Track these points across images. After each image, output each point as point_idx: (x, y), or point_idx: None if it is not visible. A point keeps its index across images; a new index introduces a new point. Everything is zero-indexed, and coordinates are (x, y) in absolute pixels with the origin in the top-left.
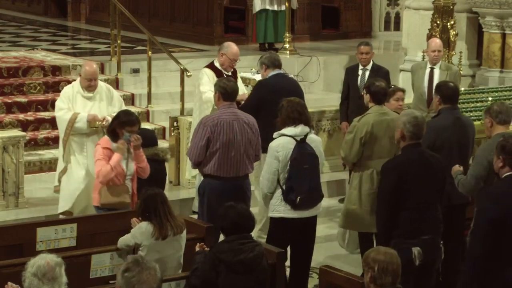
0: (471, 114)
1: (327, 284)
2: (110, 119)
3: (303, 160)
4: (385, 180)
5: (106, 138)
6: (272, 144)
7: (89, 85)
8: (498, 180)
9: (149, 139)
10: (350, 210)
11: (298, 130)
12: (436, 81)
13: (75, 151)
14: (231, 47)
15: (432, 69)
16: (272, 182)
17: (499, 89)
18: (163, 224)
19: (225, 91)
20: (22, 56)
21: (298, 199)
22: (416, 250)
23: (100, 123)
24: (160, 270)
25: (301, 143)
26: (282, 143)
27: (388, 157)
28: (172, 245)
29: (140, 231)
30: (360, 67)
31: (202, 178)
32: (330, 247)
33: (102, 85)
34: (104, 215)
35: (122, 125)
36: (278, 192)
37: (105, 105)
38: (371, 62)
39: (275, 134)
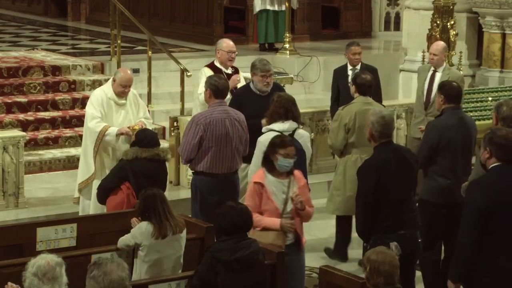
0: (471, 114)
1: (327, 284)
2: (146, 124)
3: None
4: (365, 181)
5: (262, 169)
6: (261, 139)
7: (123, 92)
8: (486, 171)
9: (150, 139)
10: (335, 195)
11: (286, 125)
12: (436, 84)
13: (104, 157)
14: (225, 41)
15: (434, 72)
16: None
17: (499, 89)
18: (162, 224)
19: (217, 88)
20: (22, 56)
21: None
22: (393, 245)
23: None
24: (160, 270)
25: None
26: (270, 138)
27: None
28: (172, 245)
29: (140, 231)
30: (350, 67)
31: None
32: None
33: (130, 91)
34: (104, 215)
35: (273, 149)
36: None
37: (135, 111)
38: (360, 62)
39: (264, 129)
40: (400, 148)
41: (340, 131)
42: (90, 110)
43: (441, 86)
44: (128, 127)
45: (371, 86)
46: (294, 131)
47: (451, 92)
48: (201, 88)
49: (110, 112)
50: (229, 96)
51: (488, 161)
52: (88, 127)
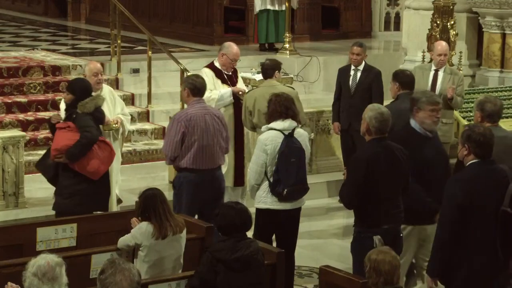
0: (471, 114)
1: (327, 284)
2: (123, 120)
3: (290, 154)
4: (354, 172)
5: None
6: (261, 138)
7: (97, 81)
8: (464, 168)
9: (90, 85)
10: None
11: (286, 124)
12: (439, 84)
13: None
14: (232, 47)
15: (436, 72)
16: (260, 174)
17: (499, 89)
18: (162, 224)
19: (194, 87)
20: (22, 56)
21: (285, 191)
22: (377, 238)
23: (116, 125)
24: (160, 270)
25: (289, 137)
26: (271, 136)
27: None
28: (172, 245)
29: (140, 231)
30: (352, 67)
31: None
32: (330, 246)
33: (105, 87)
34: (104, 215)
35: None
36: (265, 184)
37: (112, 107)
38: (363, 63)
39: (263, 128)
40: (391, 145)
41: (245, 113)
42: (63, 107)
43: (395, 74)
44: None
45: (273, 68)
46: (293, 129)
47: (405, 79)
48: None
49: None
50: (223, 97)
51: (466, 158)
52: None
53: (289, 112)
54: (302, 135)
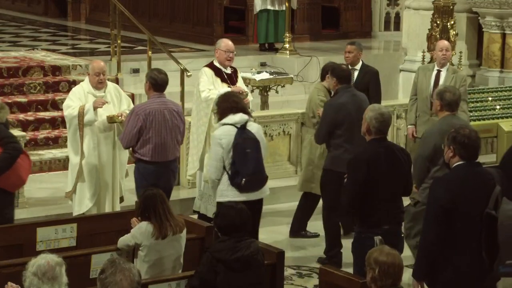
0: (471, 114)
1: (327, 284)
2: (128, 112)
3: (245, 145)
4: (354, 173)
5: None
6: (215, 133)
7: (99, 81)
8: (449, 169)
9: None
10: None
11: (237, 117)
12: (441, 83)
13: (86, 150)
14: (223, 41)
15: (439, 72)
16: (219, 169)
17: (499, 89)
18: (162, 224)
19: (156, 82)
20: (22, 56)
21: (243, 181)
22: (377, 238)
23: (119, 118)
24: (160, 270)
25: (242, 130)
26: (225, 131)
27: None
28: (172, 245)
29: (140, 231)
30: (350, 67)
31: (202, 178)
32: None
33: (110, 84)
34: (104, 215)
35: None
36: (225, 177)
37: (116, 104)
38: (361, 62)
39: (216, 125)
40: (392, 146)
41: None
42: (66, 102)
43: (332, 69)
44: (107, 116)
45: (327, 72)
46: (246, 122)
47: (341, 74)
48: (202, 87)
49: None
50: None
51: (451, 160)
52: (66, 116)
53: (239, 105)
54: (255, 127)
